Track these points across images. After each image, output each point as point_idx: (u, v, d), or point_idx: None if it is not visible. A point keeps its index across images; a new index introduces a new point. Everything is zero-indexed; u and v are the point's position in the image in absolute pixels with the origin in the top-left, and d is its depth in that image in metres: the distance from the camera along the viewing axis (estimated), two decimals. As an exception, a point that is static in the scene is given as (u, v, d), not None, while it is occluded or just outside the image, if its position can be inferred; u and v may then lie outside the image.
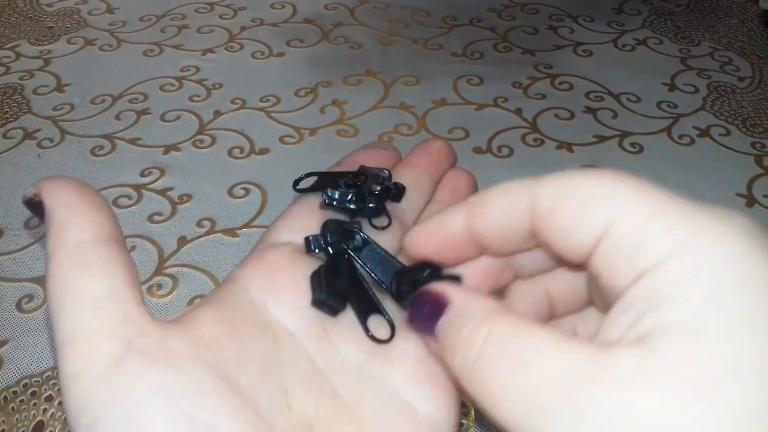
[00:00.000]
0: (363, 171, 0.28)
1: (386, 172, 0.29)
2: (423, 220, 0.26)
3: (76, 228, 0.20)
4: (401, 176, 0.29)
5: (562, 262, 0.20)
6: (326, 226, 0.26)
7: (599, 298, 0.20)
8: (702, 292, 0.14)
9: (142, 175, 0.46)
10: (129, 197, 0.44)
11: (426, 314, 0.19)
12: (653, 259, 0.15)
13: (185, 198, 0.44)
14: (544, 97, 0.54)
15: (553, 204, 0.18)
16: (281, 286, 0.24)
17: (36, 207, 0.20)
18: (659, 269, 0.15)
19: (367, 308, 0.25)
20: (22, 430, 0.31)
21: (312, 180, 0.28)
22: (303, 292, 0.24)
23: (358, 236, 0.26)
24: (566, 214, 0.17)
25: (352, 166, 0.29)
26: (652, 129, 0.51)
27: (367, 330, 0.24)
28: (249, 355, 0.21)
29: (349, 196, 0.27)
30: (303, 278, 0.24)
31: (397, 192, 0.28)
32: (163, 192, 0.45)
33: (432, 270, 0.22)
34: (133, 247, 0.40)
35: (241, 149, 0.48)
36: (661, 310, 0.15)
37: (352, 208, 0.27)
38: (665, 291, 0.15)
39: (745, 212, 0.43)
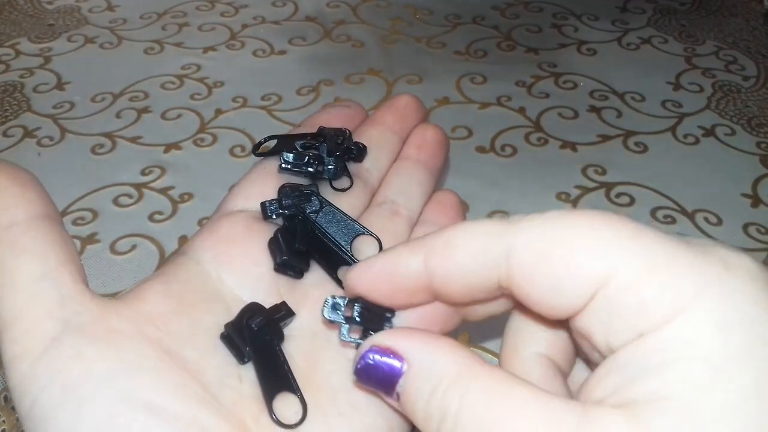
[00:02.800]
0: (321, 132, 0.27)
1: (347, 132, 0.28)
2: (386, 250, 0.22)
3: (6, 209, 0.19)
4: (365, 134, 0.28)
5: (534, 315, 0.18)
6: (282, 190, 0.25)
7: (583, 349, 0.18)
8: (701, 365, 0.13)
9: (143, 173, 0.46)
10: (130, 196, 0.44)
11: (380, 374, 0.17)
12: (652, 321, 0.14)
13: (186, 197, 0.44)
14: (547, 96, 0.54)
15: (537, 257, 0.16)
16: (235, 256, 0.23)
17: None
18: (658, 333, 0.14)
19: (334, 261, 0.24)
20: (22, 429, 0.31)
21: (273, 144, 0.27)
22: (258, 260, 0.23)
23: (314, 199, 0.25)
24: (553, 271, 0.15)
25: (313, 127, 0.28)
26: (656, 128, 0.50)
27: (339, 281, 0.24)
28: (197, 328, 0.21)
29: (306, 159, 0.26)
30: (258, 246, 0.24)
31: (358, 152, 0.27)
32: (163, 191, 0.44)
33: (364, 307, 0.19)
34: (134, 247, 0.40)
35: (243, 148, 0.48)
36: (655, 379, 0.14)
37: (309, 171, 0.26)
38: (662, 358, 0.14)
39: (749, 212, 0.43)
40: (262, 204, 0.25)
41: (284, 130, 0.50)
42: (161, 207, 0.43)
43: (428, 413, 0.16)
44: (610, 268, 0.14)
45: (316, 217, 0.25)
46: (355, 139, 0.28)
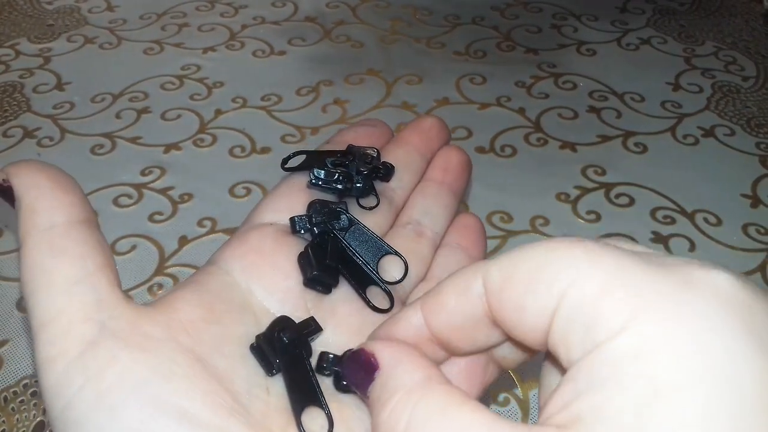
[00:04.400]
0: (351, 150, 0.28)
1: (375, 151, 0.28)
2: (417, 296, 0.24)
3: (47, 211, 0.19)
4: (392, 154, 0.29)
5: (527, 350, 0.18)
6: (312, 206, 0.26)
7: None
8: (644, 384, 0.13)
9: (143, 174, 0.46)
10: (129, 196, 0.44)
11: (359, 377, 0.18)
12: (601, 336, 0.14)
13: (186, 197, 0.44)
14: (547, 96, 0.54)
15: (504, 281, 0.16)
16: (264, 268, 0.23)
17: (5, 192, 0.20)
18: (606, 347, 0.14)
19: (363, 280, 0.24)
20: (22, 430, 0.31)
21: (301, 159, 0.28)
22: (287, 273, 0.24)
23: (343, 216, 0.25)
24: (517, 289, 0.16)
25: (341, 145, 0.29)
26: (656, 129, 0.50)
27: (368, 300, 0.24)
28: (227, 337, 0.21)
29: (336, 176, 0.26)
30: (287, 260, 0.24)
31: (385, 171, 0.28)
32: (163, 191, 0.44)
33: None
34: (134, 247, 0.40)
35: (243, 148, 0.48)
36: (600, 393, 0.13)
37: (338, 188, 0.26)
38: (608, 372, 0.14)
39: (749, 213, 0.43)
40: (291, 219, 0.25)
41: (284, 130, 0.50)
42: (161, 207, 0.43)
43: (378, 423, 0.17)
44: (565, 286, 0.15)
45: (345, 234, 0.25)
46: (381, 158, 0.29)
